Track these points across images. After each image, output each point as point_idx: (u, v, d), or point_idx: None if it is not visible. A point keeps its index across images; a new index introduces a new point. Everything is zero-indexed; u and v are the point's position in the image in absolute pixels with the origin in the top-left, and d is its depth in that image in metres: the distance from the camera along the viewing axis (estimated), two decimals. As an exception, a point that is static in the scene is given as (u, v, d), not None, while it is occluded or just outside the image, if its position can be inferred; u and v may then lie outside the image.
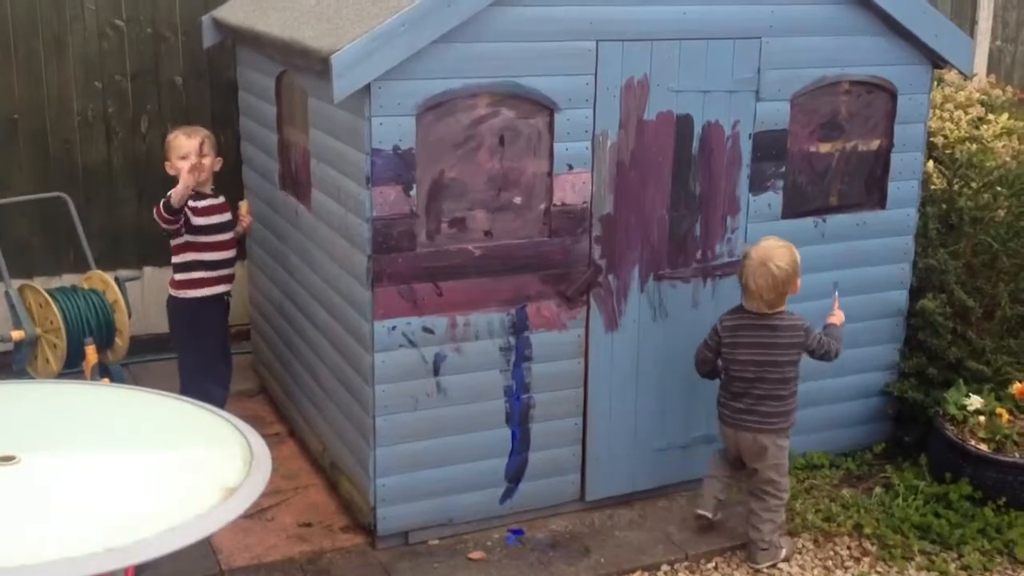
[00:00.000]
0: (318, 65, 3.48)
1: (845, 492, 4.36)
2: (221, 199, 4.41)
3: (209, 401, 3.97)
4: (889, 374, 4.60)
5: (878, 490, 4.38)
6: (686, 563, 3.93)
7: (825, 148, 4.25)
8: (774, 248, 3.79)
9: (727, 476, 4.04)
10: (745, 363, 3.83)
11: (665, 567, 3.90)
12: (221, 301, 4.45)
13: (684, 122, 3.93)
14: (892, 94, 4.29)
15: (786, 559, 3.94)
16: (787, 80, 4.05)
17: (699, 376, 4.04)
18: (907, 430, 4.60)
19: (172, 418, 3.16)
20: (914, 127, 4.37)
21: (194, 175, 4.17)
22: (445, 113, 3.58)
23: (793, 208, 4.22)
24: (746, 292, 3.81)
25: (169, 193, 4.14)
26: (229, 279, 4.44)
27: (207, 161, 4.30)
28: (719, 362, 3.93)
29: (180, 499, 2.63)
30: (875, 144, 4.34)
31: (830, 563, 3.96)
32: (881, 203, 4.40)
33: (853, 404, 4.57)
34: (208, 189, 4.37)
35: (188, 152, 4.27)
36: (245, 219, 4.54)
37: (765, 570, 3.89)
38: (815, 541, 4.08)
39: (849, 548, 4.05)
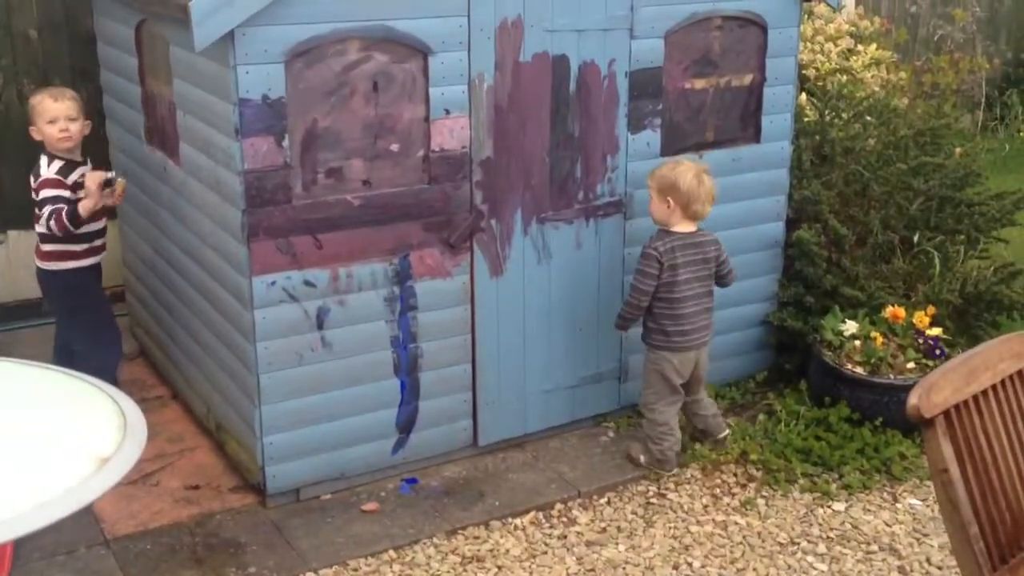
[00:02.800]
0: (177, 12, 3.33)
1: (730, 421, 4.47)
2: (90, 167, 4.20)
3: (107, 372, 3.86)
4: (769, 304, 4.72)
5: (761, 417, 4.51)
6: (579, 500, 3.99)
7: (700, 84, 4.27)
8: (693, 164, 3.95)
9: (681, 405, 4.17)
10: (689, 281, 3.97)
11: (559, 505, 3.95)
12: (95, 271, 4.27)
13: (560, 62, 3.90)
14: (763, 28, 4.33)
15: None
16: (660, 17, 4.05)
17: (626, 322, 4.08)
18: (787, 358, 4.73)
19: (40, 388, 3.03)
20: (785, 60, 4.43)
21: (99, 199, 4.01)
22: (315, 59, 3.48)
23: (671, 145, 4.25)
24: (686, 212, 3.92)
25: (76, 209, 3.96)
26: (100, 249, 4.25)
27: (75, 126, 4.08)
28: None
29: (52, 471, 2.53)
30: (748, 79, 4.38)
31: (718, 491, 4.07)
32: (756, 137, 4.47)
33: (735, 335, 4.67)
34: (77, 156, 4.16)
35: (56, 116, 4.03)
36: (118, 199, 4.22)
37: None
38: (703, 470, 4.18)
39: (736, 475, 4.17)
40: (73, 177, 4.08)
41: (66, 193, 4.04)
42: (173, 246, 4.27)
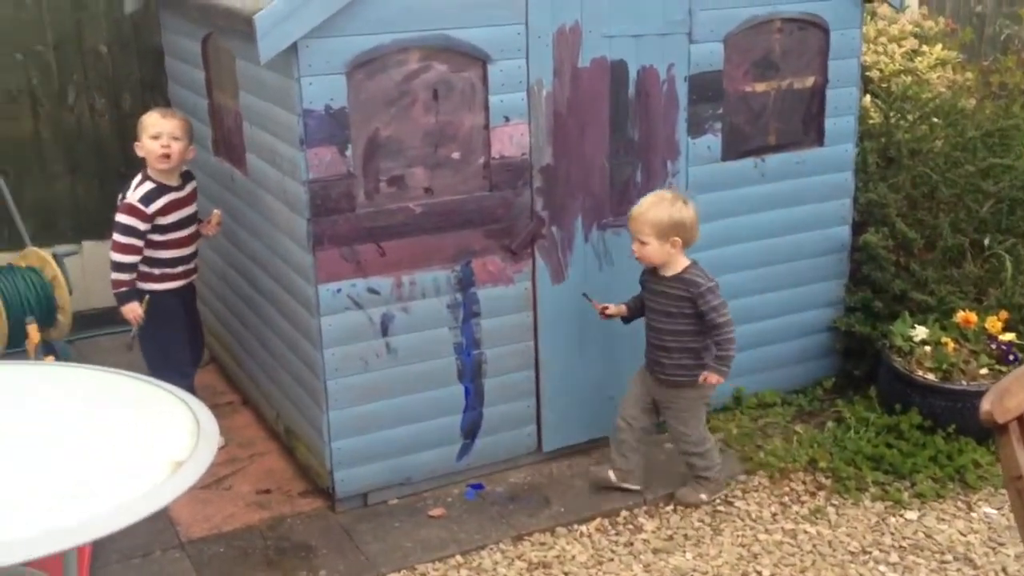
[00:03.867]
0: (242, 26, 3.40)
1: (798, 428, 4.42)
2: (187, 191, 4.12)
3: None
4: (835, 310, 4.65)
5: (830, 424, 4.45)
6: (644, 507, 3.97)
7: (761, 87, 4.24)
8: (669, 193, 3.78)
9: None
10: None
11: (625, 512, 3.94)
12: (181, 292, 4.19)
13: (618, 68, 3.90)
14: (824, 30, 4.29)
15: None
16: (719, 20, 4.03)
17: (735, 339, 3.79)
18: (856, 364, 4.66)
19: (119, 394, 3.12)
20: (848, 62, 4.37)
21: (137, 320, 4.05)
22: (376, 70, 3.52)
23: (732, 149, 4.22)
24: (688, 244, 3.77)
25: (122, 290, 4.00)
26: (188, 273, 4.20)
27: (177, 145, 3.99)
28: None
29: (129, 475, 2.59)
30: (810, 81, 4.34)
31: (786, 499, 4.02)
32: (819, 140, 4.42)
33: (801, 341, 4.62)
34: (173, 181, 4.06)
35: (160, 132, 3.96)
36: (213, 229, 4.24)
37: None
38: (771, 478, 4.13)
39: (804, 483, 4.11)
40: (157, 205, 3.98)
41: (141, 225, 3.96)
42: (241, 255, 4.35)
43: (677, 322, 3.78)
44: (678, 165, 4.12)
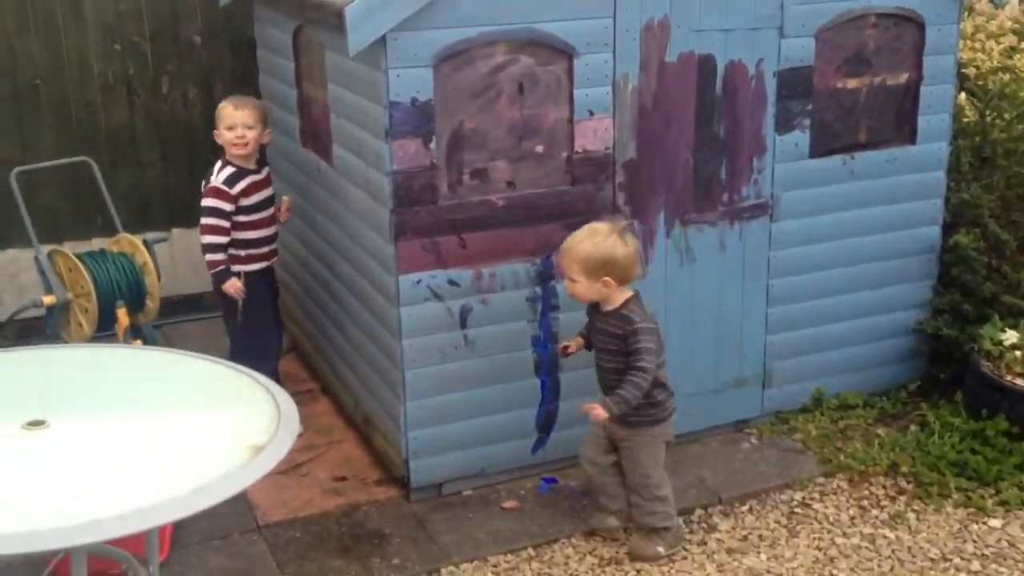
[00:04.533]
0: (332, 18, 3.44)
1: (880, 431, 4.33)
2: (263, 174, 4.32)
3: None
4: (922, 311, 4.54)
5: (913, 428, 4.35)
6: (720, 506, 3.93)
7: (852, 84, 4.15)
8: (605, 226, 3.48)
9: None
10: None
11: (699, 511, 3.91)
12: (262, 275, 4.36)
13: (706, 62, 3.86)
14: (920, 25, 4.18)
15: None
16: (811, 15, 3.96)
17: (629, 406, 3.45)
18: (942, 367, 4.54)
19: (202, 378, 3.19)
20: (944, 59, 4.26)
21: (239, 293, 4.21)
22: (463, 63, 3.54)
23: (821, 146, 4.15)
24: (636, 264, 3.48)
25: (222, 271, 4.19)
26: (269, 256, 4.36)
27: (251, 134, 4.19)
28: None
29: (209, 458, 2.65)
30: (904, 78, 4.24)
31: (865, 503, 3.95)
32: (911, 138, 4.31)
33: (886, 343, 4.52)
34: (251, 164, 4.27)
35: (235, 123, 4.16)
36: (284, 215, 4.45)
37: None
38: (850, 481, 4.06)
39: (885, 487, 4.03)
40: (239, 186, 4.19)
41: (227, 206, 4.17)
42: (325, 244, 4.42)
43: (619, 360, 3.49)
44: (764, 161, 4.06)
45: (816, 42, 4.01)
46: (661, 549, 3.64)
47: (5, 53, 5.02)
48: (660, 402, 3.58)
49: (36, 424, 2.73)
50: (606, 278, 3.43)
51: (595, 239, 3.42)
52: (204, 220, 4.19)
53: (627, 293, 3.52)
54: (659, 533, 3.65)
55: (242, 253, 4.27)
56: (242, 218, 4.23)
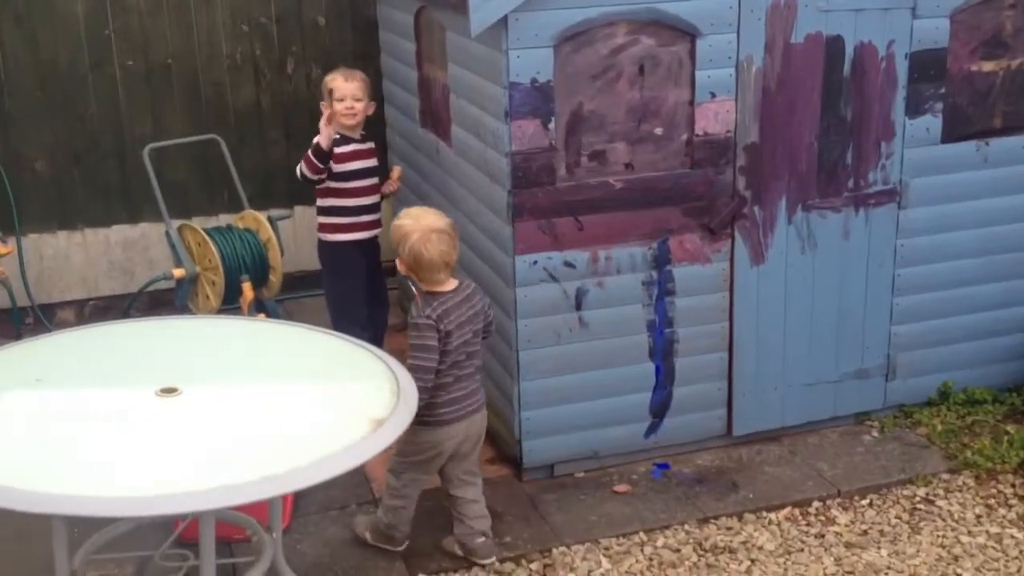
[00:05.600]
0: (455, -1, 3.46)
1: (1010, 428, 4.17)
2: (369, 145, 4.46)
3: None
4: (1058, 305, 4.35)
5: (1045, 427, 4.18)
6: (839, 499, 3.84)
7: (988, 67, 3.98)
8: (423, 214, 3.37)
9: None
10: (467, 341, 3.37)
11: (817, 503, 3.83)
12: (364, 245, 4.48)
13: (834, 43, 3.75)
14: (1065, 5, 3.98)
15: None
16: (947, -6, 3.81)
17: (426, 392, 3.26)
18: (1079, 364, 4.35)
19: (324, 352, 3.26)
20: (1090, 39, 4.05)
21: (332, 126, 4.25)
22: (583, 43, 3.51)
23: (953, 131, 3.99)
24: (432, 270, 3.29)
25: (315, 140, 4.23)
26: (371, 225, 4.48)
27: (360, 105, 4.35)
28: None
29: (331, 430, 2.72)
30: (1045, 59, 4.05)
31: (992, 501, 3.81)
32: (1051, 123, 4.12)
33: (1018, 337, 4.34)
34: (358, 134, 4.42)
35: (344, 95, 4.32)
36: (394, 184, 4.59)
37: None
38: (976, 478, 3.92)
39: (1014, 486, 3.88)
40: (342, 149, 4.34)
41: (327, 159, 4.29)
42: (442, 224, 4.45)
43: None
44: (892, 146, 3.93)
45: (951, 23, 3.85)
46: (368, 536, 3.59)
47: (139, 34, 5.20)
48: (429, 403, 3.31)
49: (169, 391, 2.84)
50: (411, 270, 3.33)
51: (405, 228, 3.31)
52: (305, 159, 4.27)
53: (451, 284, 3.36)
54: (374, 523, 3.57)
55: (343, 221, 4.40)
56: (338, 184, 4.35)
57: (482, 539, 3.52)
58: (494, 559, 3.53)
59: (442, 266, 3.31)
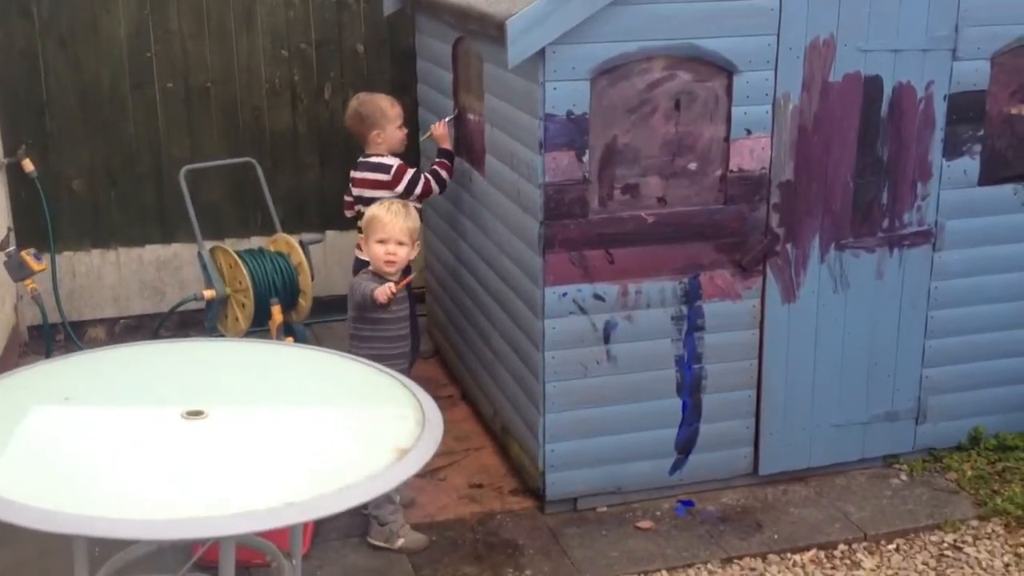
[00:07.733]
0: (493, 30, 3.48)
1: (1044, 475, 4.10)
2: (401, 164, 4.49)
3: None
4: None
5: (1080, 476, 4.10)
6: (865, 543, 3.79)
7: (1029, 110, 3.96)
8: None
9: None
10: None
11: (842, 546, 3.77)
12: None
13: (872, 83, 3.74)
14: (1107, 50, 3.95)
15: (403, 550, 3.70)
16: (987, 37, 3.79)
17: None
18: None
19: (350, 378, 3.25)
20: None
21: (443, 126, 4.49)
22: (620, 77, 3.52)
23: (991, 174, 3.96)
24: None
25: (439, 171, 4.45)
26: None
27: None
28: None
29: (356, 458, 2.70)
30: (1086, 105, 4.01)
31: (1022, 550, 3.74)
32: (1091, 169, 4.07)
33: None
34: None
35: (401, 120, 4.50)
36: (439, 129, 4.55)
37: None
38: (1006, 526, 3.85)
39: (1044, 537, 3.81)
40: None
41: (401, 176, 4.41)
42: (473, 253, 4.46)
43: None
44: (929, 187, 3.90)
45: (991, 66, 3.83)
46: (383, 543, 3.73)
47: (180, 56, 5.27)
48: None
49: (195, 414, 2.84)
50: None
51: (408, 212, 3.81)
52: (422, 183, 4.40)
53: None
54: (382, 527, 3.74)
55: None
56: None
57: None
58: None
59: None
